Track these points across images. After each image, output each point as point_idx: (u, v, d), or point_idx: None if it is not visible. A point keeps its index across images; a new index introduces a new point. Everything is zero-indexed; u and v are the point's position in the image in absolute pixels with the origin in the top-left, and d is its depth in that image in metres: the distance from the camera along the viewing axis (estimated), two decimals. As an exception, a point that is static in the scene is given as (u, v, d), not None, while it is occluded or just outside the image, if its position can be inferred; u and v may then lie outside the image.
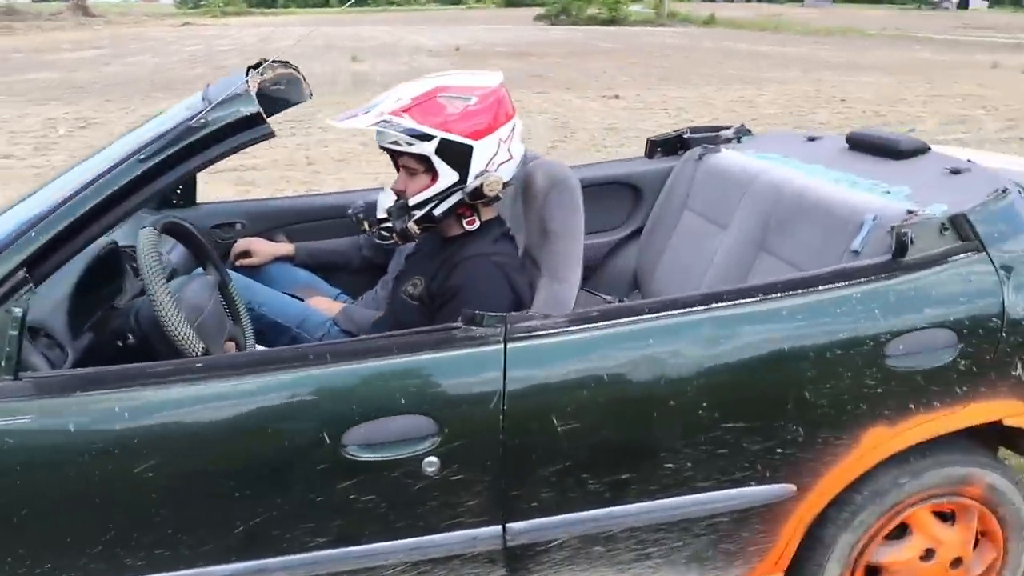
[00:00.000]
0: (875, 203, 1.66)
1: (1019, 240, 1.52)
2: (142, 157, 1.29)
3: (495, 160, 1.61)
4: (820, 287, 1.45)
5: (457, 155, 1.57)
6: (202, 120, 1.29)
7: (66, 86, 12.21)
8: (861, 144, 2.15)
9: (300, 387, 1.29)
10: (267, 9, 39.85)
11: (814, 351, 1.42)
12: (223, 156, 1.35)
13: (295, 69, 1.83)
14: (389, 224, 1.66)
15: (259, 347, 1.91)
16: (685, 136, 2.65)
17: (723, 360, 1.40)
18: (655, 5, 31.40)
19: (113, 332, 1.57)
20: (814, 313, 1.43)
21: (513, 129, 1.64)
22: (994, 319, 1.47)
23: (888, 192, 1.72)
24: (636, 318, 1.39)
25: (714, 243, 2.18)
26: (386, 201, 1.68)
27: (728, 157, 2.37)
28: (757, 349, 1.41)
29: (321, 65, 15.06)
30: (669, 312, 1.40)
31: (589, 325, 1.38)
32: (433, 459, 1.31)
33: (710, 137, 2.61)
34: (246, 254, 2.32)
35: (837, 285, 1.45)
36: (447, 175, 1.59)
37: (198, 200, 2.49)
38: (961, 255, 1.49)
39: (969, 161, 1.85)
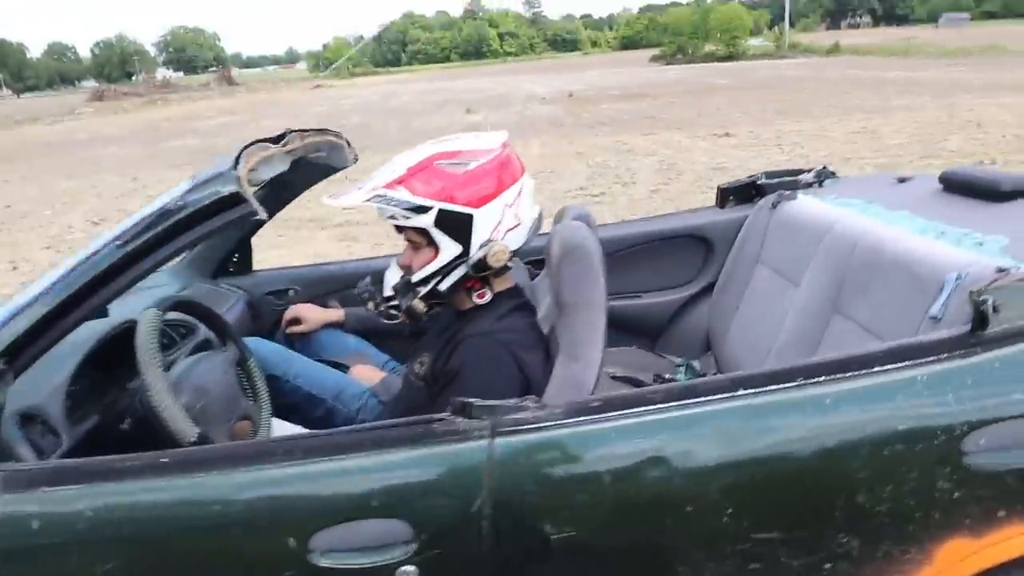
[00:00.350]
0: (962, 258, 1.41)
1: None
2: (120, 242, 1.26)
3: (500, 227, 1.48)
4: (874, 368, 1.21)
5: (457, 225, 1.45)
6: (180, 203, 1.26)
7: (206, 151, 13.17)
8: (956, 184, 1.87)
9: (264, 486, 1.19)
10: (392, 68, 41.94)
11: (868, 447, 1.17)
12: (205, 237, 1.30)
13: (336, 135, 1.78)
14: (396, 302, 1.56)
15: (281, 423, 1.84)
16: (760, 182, 2.43)
17: (752, 458, 1.18)
18: (775, 38, 30.55)
19: (117, 414, 1.53)
20: (867, 400, 1.18)
21: (520, 192, 1.50)
22: None
23: (980, 244, 1.46)
24: (645, 408, 1.20)
25: (787, 302, 1.95)
26: (392, 278, 1.57)
27: (805, 204, 2.13)
28: (794, 445, 1.18)
29: (438, 118, 15.58)
30: (685, 401, 1.20)
31: (590, 416, 1.20)
32: (409, 568, 1.17)
33: (787, 182, 2.37)
34: (296, 321, 2.29)
35: (895, 366, 1.20)
36: (448, 247, 1.47)
37: (254, 267, 2.52)
38: (1063, 326, 1.20)
39: None
